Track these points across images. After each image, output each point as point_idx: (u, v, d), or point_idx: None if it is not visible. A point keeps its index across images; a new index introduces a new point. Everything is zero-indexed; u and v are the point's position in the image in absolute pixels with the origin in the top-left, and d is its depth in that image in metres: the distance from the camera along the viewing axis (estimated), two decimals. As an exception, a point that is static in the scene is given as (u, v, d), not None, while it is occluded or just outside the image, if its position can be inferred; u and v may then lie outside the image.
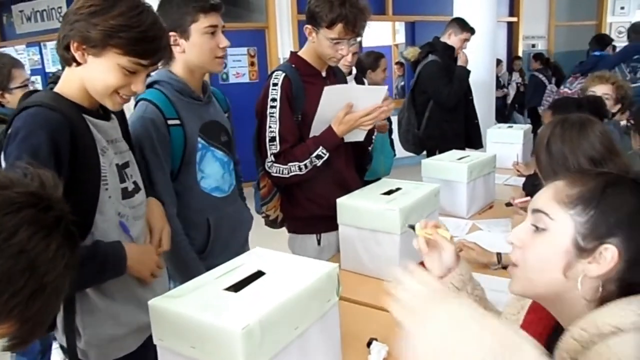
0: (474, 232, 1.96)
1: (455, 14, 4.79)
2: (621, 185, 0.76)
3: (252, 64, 5.75)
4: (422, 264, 1.07)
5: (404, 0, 6.82)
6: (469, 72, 3.45)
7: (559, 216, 0.75)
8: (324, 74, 1.83)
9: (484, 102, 4.83)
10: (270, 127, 1.71)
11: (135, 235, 1.23)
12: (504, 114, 6.96)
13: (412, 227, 1.05)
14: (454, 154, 2.31)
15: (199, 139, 1.53)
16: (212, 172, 1.58)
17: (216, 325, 0.81)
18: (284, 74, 1.73)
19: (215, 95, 1.69)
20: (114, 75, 1.08)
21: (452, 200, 2.09)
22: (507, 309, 1.01)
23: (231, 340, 0.79)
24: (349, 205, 1.56)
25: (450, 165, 2.12)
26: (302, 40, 5.85)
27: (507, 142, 3.02)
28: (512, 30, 8.16)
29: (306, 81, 1.77)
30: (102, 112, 1.20)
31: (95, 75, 1.10)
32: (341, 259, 1.60)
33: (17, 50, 6.49)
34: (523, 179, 2.38)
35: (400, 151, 3.54)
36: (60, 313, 1.13)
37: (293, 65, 1.78)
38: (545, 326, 0.83)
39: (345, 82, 2.04)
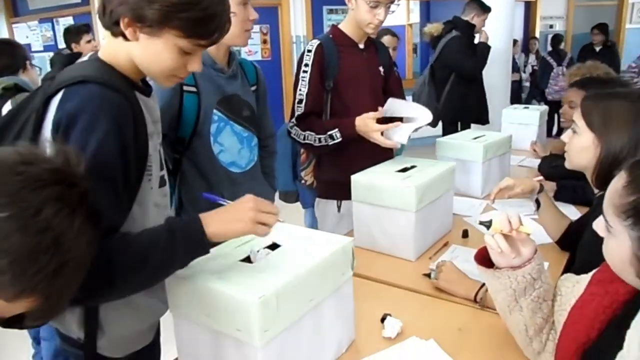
0: (488, 212, 1.94)
1: (472, -7, 4.71)
2: None
3: (264, 41, 5.70)
4: (480, 251, 1.02)
5: (419, -21, 6.70)
6: (489, 47, 3.69)
7: (615, 225, 0.73)
8: (361, 45, 1.88)
9: (499, 82, 4.76)
10: (300, 90, 1.79)
11: None
12: (518, 97, 6.84)
13: (485, 225, 0.96)
14: (469, 133, 2.28)
15: (216, 111, 1.53)
16: (230, 146, 1.58)
17: (233, 295, 0.81)
18: (318, 42, 1.80)
19: (244, 67, 1.68)
20: (170, 57, 0.94)
21: (466, 179, 2.07)
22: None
23: (248, 310, 0.79)
24: (363, 181, 1.54)
25: (466, 145, 2.09)
26: (315, 18, 5.79)
27: (522, 123, 2.98)
28: (529, 10, 7.98)
29: (342, 51, 1.83)
30: (144, 86, 1.06)
31: (148, 56, 0.96)
32: (355, 235, 1.59)
33: (30, 27, 6.50)
34: (538, 161, 2.35)
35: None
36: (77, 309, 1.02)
37: (330, 36, 1.85)
38: (613, 300, 0.82)
39: (388, 55, 2.05)
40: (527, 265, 0.95)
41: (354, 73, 1.85)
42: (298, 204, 2.40)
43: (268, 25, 5.69)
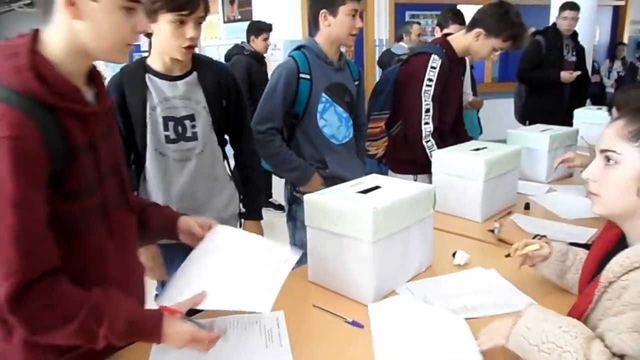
0: (549, 192, 2.22)
1: (553, -4, 4.83)
2: None
3: (349, 45, 6.12)
4: None
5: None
6: (557, 80, 3.80)
7: (625, 150, 0.91)
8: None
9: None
10: (425, 100, 2.16)
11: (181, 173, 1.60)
12: (600, 100, 6.77)
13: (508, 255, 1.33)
14: (539, 127, 2.55)
15: (324, 94, 1.98)
16: (332, 122, 2.03)
17: (355, 209, 1.22)
18: (440, 61, 2.16)
19: (349, 66, 2.13)
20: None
21: (532, 166, 2.35)
22: None
23: (365, 217, 1.19)
24: (442, 157, 1.92)
25: (534, 136, 2.38)
26: (397, 22, 6.13)
27: (595, 123, 3.16)
28: (618, 14, 7.81)
29: (451, 68, 2.21)
30: (173, 74, 1.56)
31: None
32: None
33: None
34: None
35: (486, 130, 3.79)
36: None
37: (444, 51, 2.21)
38: (606, 241, 1.03)
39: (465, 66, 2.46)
40: (551, 257, 1.27)
41: (454, 91, 2.22)
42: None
43: (353, 29, 6.10)
